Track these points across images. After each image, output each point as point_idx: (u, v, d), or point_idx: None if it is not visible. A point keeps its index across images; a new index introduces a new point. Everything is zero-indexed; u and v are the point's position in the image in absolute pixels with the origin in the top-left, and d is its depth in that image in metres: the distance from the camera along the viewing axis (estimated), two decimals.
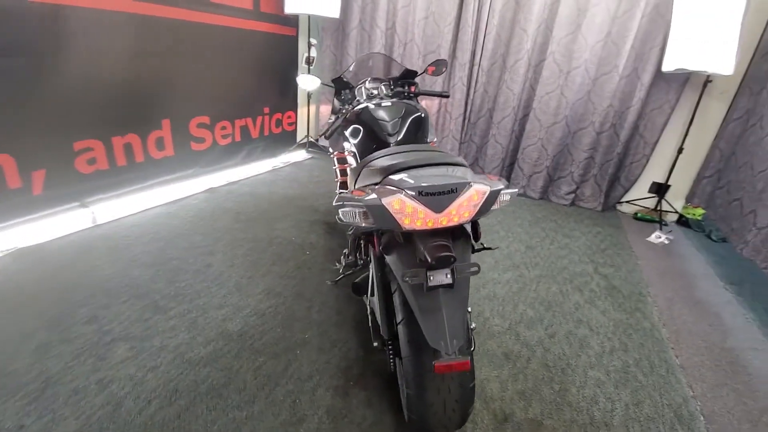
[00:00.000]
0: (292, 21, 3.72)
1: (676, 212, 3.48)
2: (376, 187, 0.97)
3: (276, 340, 1.66)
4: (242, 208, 2.83)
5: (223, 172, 3.39)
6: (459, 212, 0.88)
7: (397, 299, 1.13)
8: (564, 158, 3.62)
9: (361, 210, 0.93)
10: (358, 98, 2.03)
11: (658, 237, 3.18)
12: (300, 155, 4.16)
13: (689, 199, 3.43)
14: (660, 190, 3.49)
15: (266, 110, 3.71)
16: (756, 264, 2.32)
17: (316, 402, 1.40)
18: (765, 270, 2.21)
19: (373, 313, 1.43)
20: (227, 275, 2.04)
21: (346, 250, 1.51)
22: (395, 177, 0.95)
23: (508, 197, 0.94)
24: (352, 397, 1.43)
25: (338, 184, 2.02)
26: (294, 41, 3.84)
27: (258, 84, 3.54)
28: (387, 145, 1.72)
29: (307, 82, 2.18)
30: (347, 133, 1.87)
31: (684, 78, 3.18)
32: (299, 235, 2.53)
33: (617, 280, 2.46)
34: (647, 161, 3.46)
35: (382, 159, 1.17)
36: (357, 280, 1.62)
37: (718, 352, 1.91)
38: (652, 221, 3.46)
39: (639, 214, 3.53)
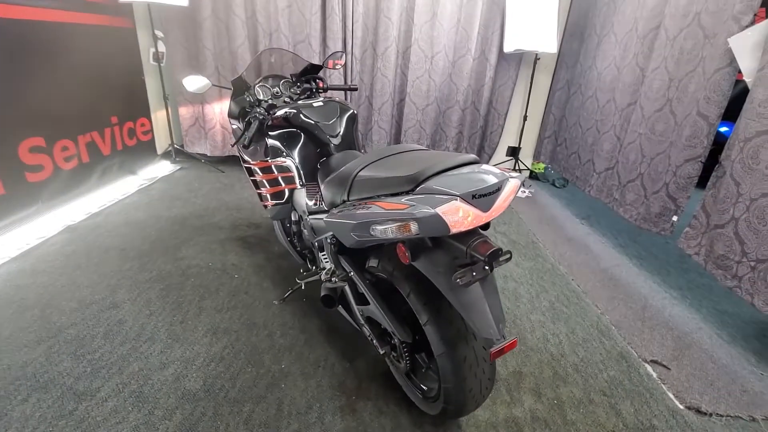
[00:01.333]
0: (127, 10, 3.11)
1: (528, 169, 4.21)
2: (411, 195, 0.95)
3: (252, 381, 1.48)
4: (125, 242, 2.34)
5: (76, 203, 2.71)
6: (501, 207, 0.94)
7: (415, 302, 1.13)
8: (439, 136, 3.98)
9: (403, 223, 0.90)
10: (261, 99, 1.85)
11: (523, 191, 3.81)
12: (166, 167, 3.59)
13: (536, 156, 4.18)
14: (515, 152, 4.16)
15: (114, 120, 3.07)
16: (600, 200, 3.00)
17: (329, 430, 1.32)
18: (609, 204, 2.89)
19: (370, 321, 1.40)
20: (152, 327, 1.70)
21: (330, 267, 1.38)
22: (433, 184, 0.95)
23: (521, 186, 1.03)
24: (361, 411, 1.40)
25: (267, 196, 1.85)
26: (132, 35, 3.22)
27: (99, 89, 2.88)
28: (329, 147, 1.64)
29: (194, 84, 1.91)
30: (276, 139, 1.71)
31: (519, 57, 3.80)
32: (215, 259, 2.24)
33: (513, 235, 2.89)
34: (502, 130, 4.06)
35: (381, 166, 1.13)
36: (326, 293, 1.54)
37: (599, 274, 2.46)
38: None
39: None
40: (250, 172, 2.03)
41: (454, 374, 1.09)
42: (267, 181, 1.82)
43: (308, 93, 2.02)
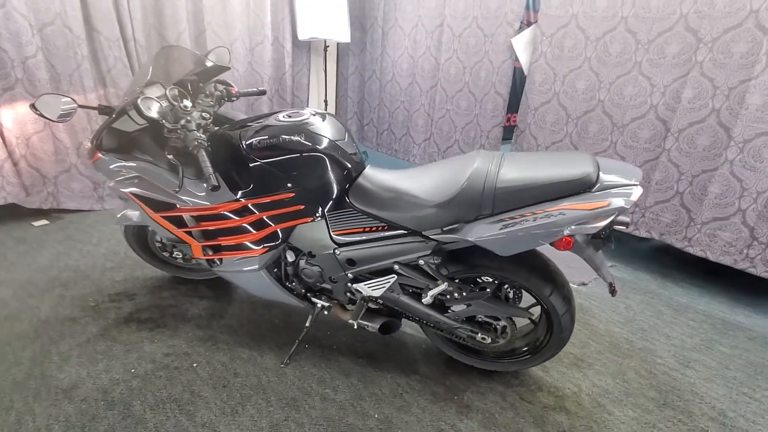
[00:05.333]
0: None
1: None
2: (594, 193, 1.09)
3: None
4: None
5: None
6: None
7: (536, 281, 1.31)
8: None
9: (606, 217, 1.05)
10: (185, 119, 1.35)
11: None
12: None
13: None
14: None
15: None
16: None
17: None
18: None
19: (471, 321, 1.43)
20: None
21: (440, 287, 1.26)
22: (607, 179, 1.11)
23: None
24: (472, 403, 1.46)
25: (248, 244, 1.41)
26: None
27: None
28: (350, 168, 1.42)
29: (53, 107, 1.24)
30: (272, 168, 1.34)
31: (308, 45, 3.89)
32: (130, 362, 1.51)
33: None
34: None
35: (518, 177, 1.15)
36: (386, 319, 1.46)
37: None
38: None
39: None
40: (177, 223, 1.47)
41: (572, 322, 1.38)
42: (250, 224, 1.39)
43: (221, 101, 1.62)
